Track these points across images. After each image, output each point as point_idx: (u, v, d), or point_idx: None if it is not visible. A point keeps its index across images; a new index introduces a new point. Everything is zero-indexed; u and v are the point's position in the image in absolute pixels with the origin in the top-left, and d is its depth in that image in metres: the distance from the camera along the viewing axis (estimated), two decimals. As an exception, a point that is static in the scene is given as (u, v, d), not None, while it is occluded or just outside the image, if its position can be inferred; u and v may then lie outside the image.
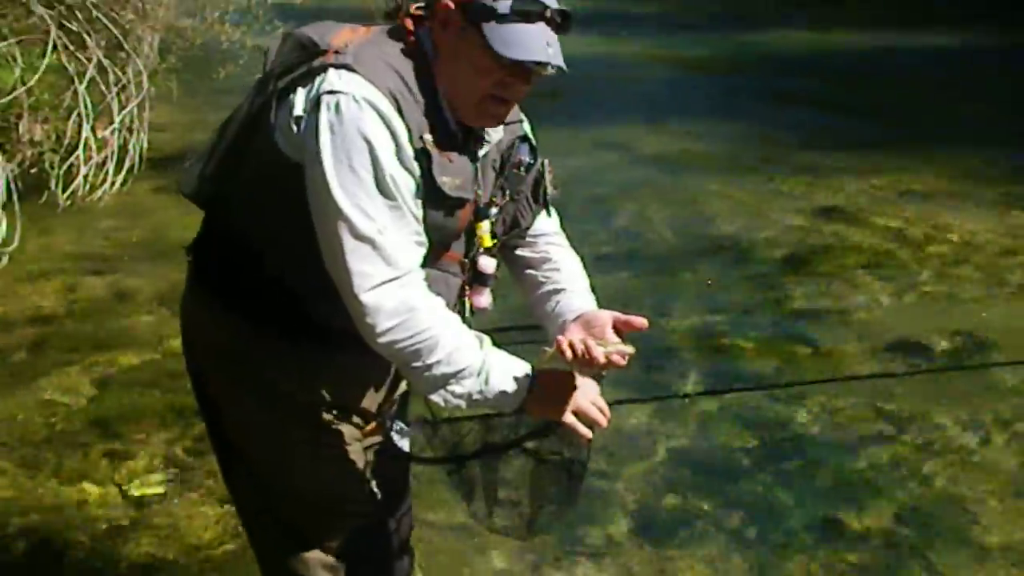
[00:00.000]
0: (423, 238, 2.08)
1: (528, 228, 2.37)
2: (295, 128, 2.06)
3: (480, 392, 2.04)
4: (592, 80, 11.38)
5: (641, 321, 2.20)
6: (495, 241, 2.30)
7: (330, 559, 2.40)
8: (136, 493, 3.92)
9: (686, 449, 4.28)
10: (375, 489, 2.41)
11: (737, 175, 8.60)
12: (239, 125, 2.22)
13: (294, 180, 2.06)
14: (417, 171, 2.06)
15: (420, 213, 2.07)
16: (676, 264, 6.56)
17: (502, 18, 2.03)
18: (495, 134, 2.26)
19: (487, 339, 2.07)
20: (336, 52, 2.07)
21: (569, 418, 2.10)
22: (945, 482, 4.03)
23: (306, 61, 2.10)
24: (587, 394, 2.12)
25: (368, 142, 1.99)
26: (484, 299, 2.33)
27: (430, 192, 2.08)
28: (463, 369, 2.02)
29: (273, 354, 2.22)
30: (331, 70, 2.04)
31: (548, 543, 3.50)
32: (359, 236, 1.98)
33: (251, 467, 2.39)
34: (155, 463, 4.13)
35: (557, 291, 2.36)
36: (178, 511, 3.82)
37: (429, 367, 2.01)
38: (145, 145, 7.91)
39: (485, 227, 2.27)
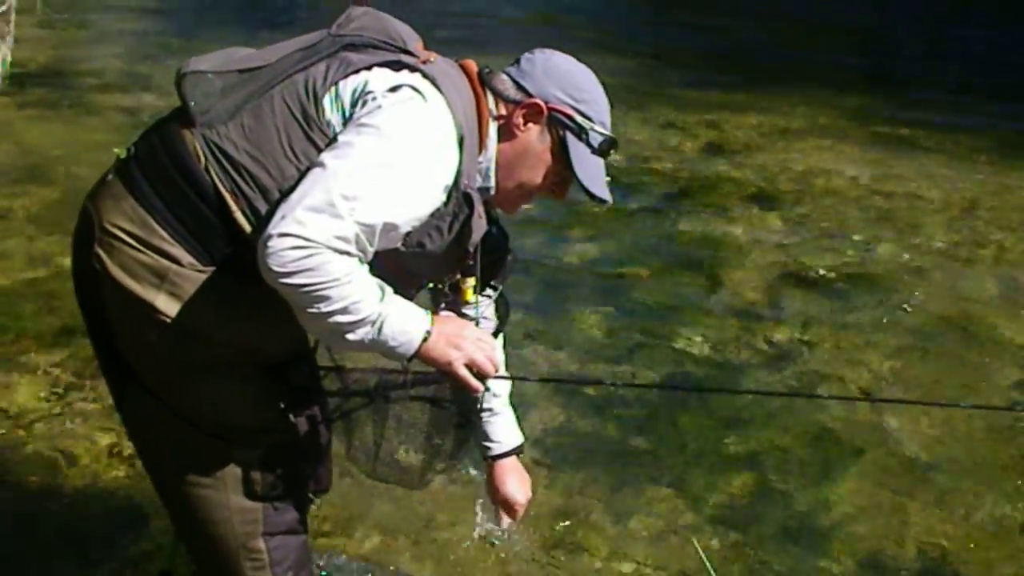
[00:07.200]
0: (368, 257, 2.00)
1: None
2: (354, 94, 2.06)
3: (372, 340, 2.00)
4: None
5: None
6: (475, 298, 2.40)
7: (239, 471, 2.29)
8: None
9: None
10: (286, 413, 2.33)
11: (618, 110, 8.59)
12: (283, 70, 2.13)
13: (316, 133, 2.05)
14: (438, 204, 2.07)
15: (395, 240, 2.05)
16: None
17: (590, 147, 2.25)
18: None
19: (389, 290, 2.02)
20: (424, 62, 2.13)
21: (462, 370, 2.11)
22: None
23: (394, 51, 2.14)
24: (482, 347, 2.14)
25: (425, 139, 2.03)
26: None
27: (458, 235, 2.11)
28: (360, 319, 1.96)
29: (198, 284, 2.08)
30: (419, 74, 2.09)
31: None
32: (335, 193, 1.91)
33: (149, 388, 2.25)
34: (39, 385, 3.96)
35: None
36: (64, 434, 3.67)
37: (327, 315, 1.94)
38: (9, 59, 7.49)
39: (470, 283, 2.37)
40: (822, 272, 5.44)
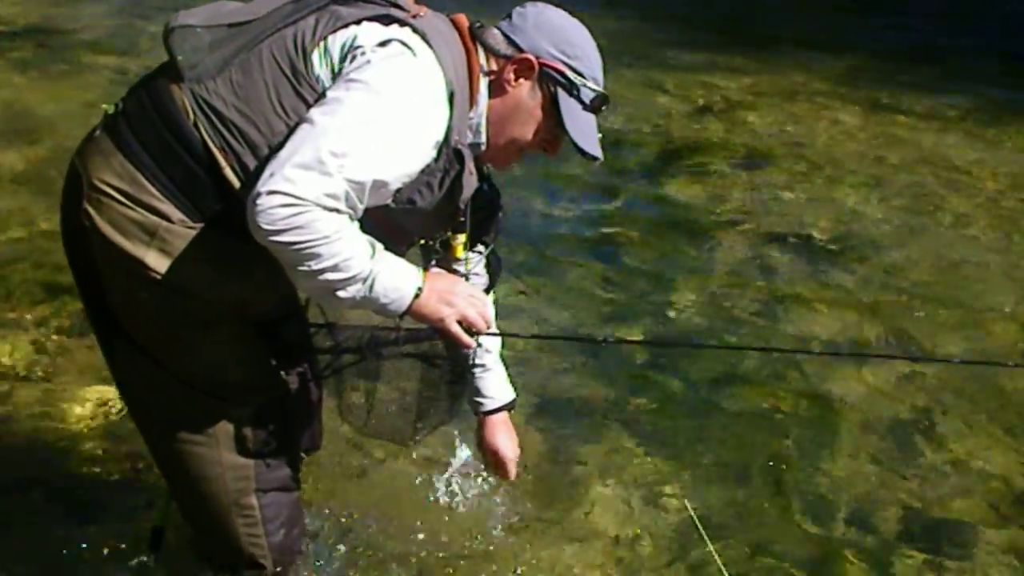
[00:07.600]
0: (359, 214, 2.00)
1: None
2: (343, 49, 2.05)
3: (363, 297, 2.00)
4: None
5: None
6: (466, 255, 2.41)
7: (231, 428, 2.31)
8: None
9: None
10: (277, 370, 2.35)
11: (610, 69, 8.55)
12: (272, 24, 2.12)
13: (305, 88, 2.04)
14: (429, 160, 2.06)
15: (385, 197, 2.04)
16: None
17: (581, 103, 2.24)
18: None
19: (380, 246, 2.02)
20: (414, 16, 2.13)
21: (453, 326, 2.12)
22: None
23: (383, 5, 2.13)
24: (474, 303, 2.15)
25: (415, 94, 2.01)
26: None
27: (449, 191, 2.11)
28: (351, 277, 1.96)
29: (188, 241, 2.08)
30: (409, 29, 2.08)
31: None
32: (324, 151, 1.90)
33: (140, 346, 2.26)
34: (28, 343, 3.95)
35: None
36: (53, 392, 3.66)
37: (317, 272, 1.94)
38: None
39: (461, 239, 2.37)
40: (813, 233, 5.43)
